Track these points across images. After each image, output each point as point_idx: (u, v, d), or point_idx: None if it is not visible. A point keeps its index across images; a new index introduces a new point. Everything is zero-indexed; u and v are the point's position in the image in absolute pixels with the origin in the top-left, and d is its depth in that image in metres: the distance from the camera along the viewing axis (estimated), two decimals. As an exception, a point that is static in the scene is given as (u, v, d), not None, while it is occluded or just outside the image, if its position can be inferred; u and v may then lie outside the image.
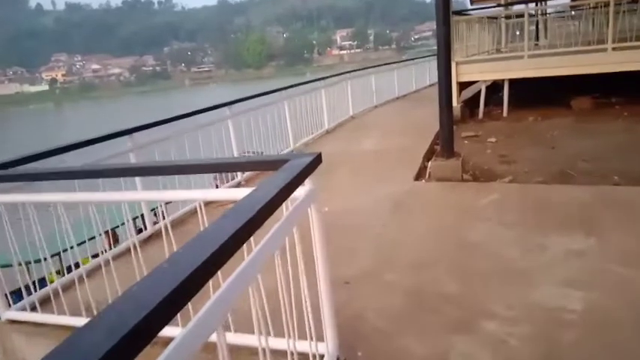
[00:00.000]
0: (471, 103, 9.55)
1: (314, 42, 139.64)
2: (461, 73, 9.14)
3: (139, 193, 2.67)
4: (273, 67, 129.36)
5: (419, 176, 5.19)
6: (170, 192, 2.25)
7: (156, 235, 4.05)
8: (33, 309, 2.75)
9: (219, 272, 0.99)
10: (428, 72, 14.74)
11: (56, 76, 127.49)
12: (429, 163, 5.11)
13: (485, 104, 9.36)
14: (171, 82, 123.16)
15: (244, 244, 1.15)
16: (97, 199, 2.41)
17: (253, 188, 1.49)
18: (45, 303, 2.78)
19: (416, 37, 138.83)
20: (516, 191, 4.39)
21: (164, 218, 4.20)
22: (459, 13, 9.82)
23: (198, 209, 2.11)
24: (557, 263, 2.90)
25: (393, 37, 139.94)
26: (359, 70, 10.49)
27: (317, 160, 1.88)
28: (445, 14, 4.68)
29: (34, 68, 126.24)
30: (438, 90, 5.18)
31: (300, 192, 1.85)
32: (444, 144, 5.11)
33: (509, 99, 9.07)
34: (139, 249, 2.41)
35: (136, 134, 3.92)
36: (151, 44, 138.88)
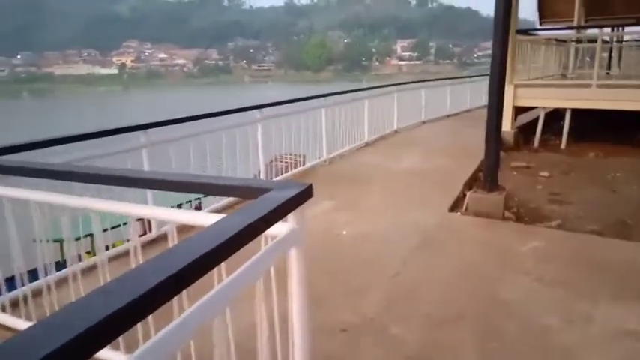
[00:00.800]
0: (527, 130, 8.83)
1: (373, 50, 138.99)
2: (519, 96, 8.47)
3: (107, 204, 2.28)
4: (331, 71, 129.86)
5: (455, 207, 4.69)
6: (136, 207, 1.93)
7: (162, 238, 3.82)
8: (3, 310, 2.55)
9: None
10: (485, 91, 13.93)
11: (125, 61, 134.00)
12: (469, 193, 4.60)
13: (543, 133, 8.61)
14: (231, 77, 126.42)
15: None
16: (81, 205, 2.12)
17: (223, 216, 1.22)
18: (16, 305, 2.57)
19: (479, 53, 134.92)
20: (564, 240, 3.82)
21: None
22: (525, 32, 9.13)
23: (172, 234, 1.78)
24: (605, 343, 2.37)
25: (456, 51, 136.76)
26: (408, 83, 10.00)
27: (305, 193, 1.51)
28: (504, 31, 4.18)
29: (106, 52, 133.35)
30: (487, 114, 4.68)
31: (280, 229, 1.49)
32: (486, 174, 4.59)
33: (569, 130, 8.29)
34: (139, 252, 2.08)
35: (150, 130, 3.71)
36: (216, 39, 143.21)
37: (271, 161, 5.96)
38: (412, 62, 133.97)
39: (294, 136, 5.94)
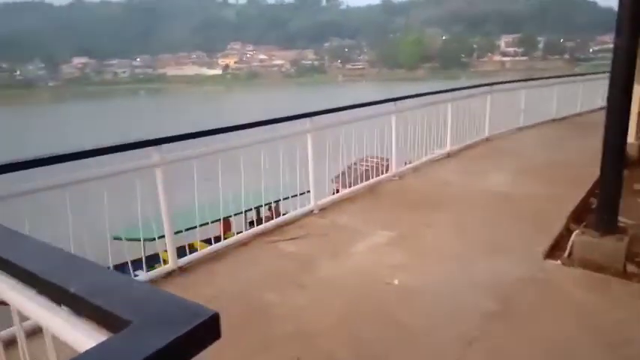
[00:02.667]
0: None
1: (474, 46, 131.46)
2: (649, 100, 6.75)
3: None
4: (427, 69, 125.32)
5: (554, 250, 3.52)
6: None
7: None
8: None
9: None
10: (601, 92, 11.82)
11: (229, 62, 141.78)
12: (574, 234, 3.41)
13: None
14: (325, 77, 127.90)
15: None
16: None
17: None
18: None
19: (595, 48, 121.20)
20: None
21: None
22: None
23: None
24: None
25: (567, 46, 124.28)
26: (505, 82, 8.58)
27: (198, 332, 0.70)
28: (633, 17, 2.95)
29: (212, 54, 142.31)
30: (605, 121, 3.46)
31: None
32: (602, 207, 3.36)
33: None
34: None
35: (165, 146, 3.13)
36: (313, 39, 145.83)
37: (354, 163, 5.40)
38: (517, 58, 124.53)
39: (355, 145, 5.11)
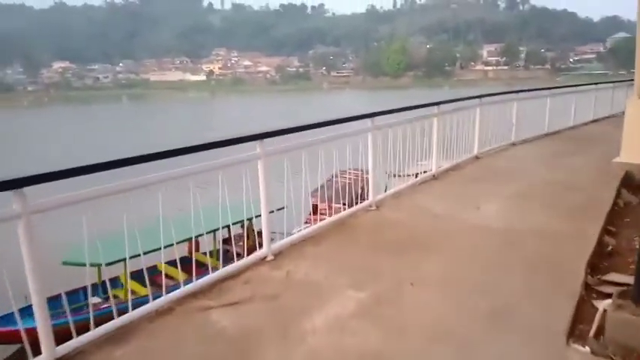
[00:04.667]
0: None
1: (457, 55, 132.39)
2: (658, 115, 6.02)
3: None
4: (411, 77, 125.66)
5: (577, 323, 2.65)
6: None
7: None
8: None
9: None
10: (593, 103, 11.19)
11: (213, 68, 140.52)
12: (604, 304, 2.54)
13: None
14: (310, 84, 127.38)
15: None
16: None
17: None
18: None
19: (576, 58, 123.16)
20: None
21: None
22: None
23: None
24: None
25: (548, 56, 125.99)
26: (496, 94, 7.78)
27: None
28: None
29: (196, 60, 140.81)
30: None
31: None
32: None
33: None
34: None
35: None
36: (298, 46, 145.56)
37: (334, 176, 4.89)
38: (499, 67, 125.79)
39: (320, 174, 4.22)
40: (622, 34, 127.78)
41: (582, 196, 5.00)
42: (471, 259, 3.49)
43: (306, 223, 8.67)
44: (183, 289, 2.95)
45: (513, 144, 8.21)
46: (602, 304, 2.61)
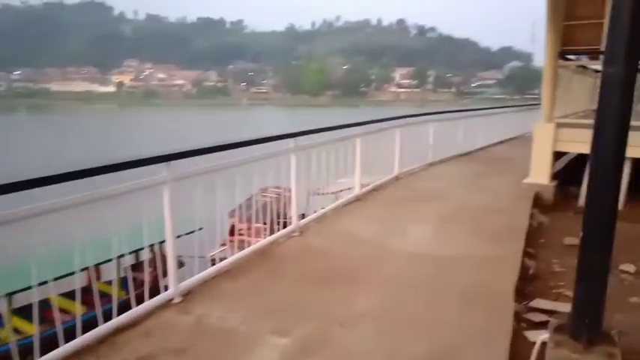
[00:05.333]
0: (562, 180, 6.74)
1: (372, 77, 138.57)
2: (561, 139, 6.42)
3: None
4: (329, 96, 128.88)
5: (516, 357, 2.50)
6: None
7: None
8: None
9: None
10: (500, 126, 11.98)
11: (124, 80, 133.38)
12: (541, 339, 2.40)
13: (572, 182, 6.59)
14: (229, 99, 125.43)
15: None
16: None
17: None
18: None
19: (478, 83, 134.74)
20: None
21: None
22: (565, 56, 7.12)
23: None
24: None
25: (454, 81, 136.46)
26: (415, 115, 7.90)
27: None
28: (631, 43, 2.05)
29: (106, 71, 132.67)
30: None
31: None
32: (582, 307, 2.34)
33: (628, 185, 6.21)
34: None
35: None
36: (216, 61, 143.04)
37: (254, 195, 4.51)
38: (411, 90, 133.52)
39: (238, 194, 3.81)
40: (516, 63, 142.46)
41: (502, 218, 5.08)
42: (403, 291, 3.27)
43: (222, 245, 8.13)
44: (64, 348, 2.36)
45: (431, 164, 8.38)
46: (538, 338, 2.48)
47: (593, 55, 10.87)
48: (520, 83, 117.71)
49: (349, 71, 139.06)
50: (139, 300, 2.88)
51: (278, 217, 4.75)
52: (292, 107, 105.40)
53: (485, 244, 4.27)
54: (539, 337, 2.39)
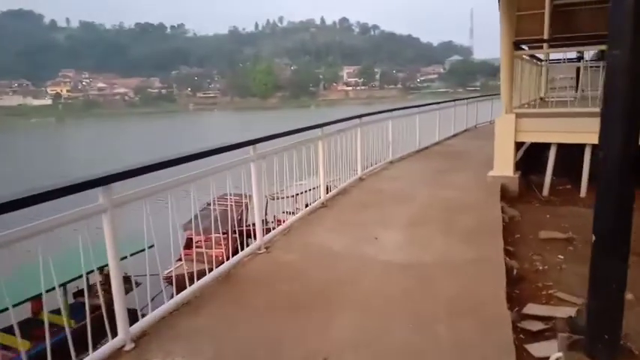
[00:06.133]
0: (522, 170, 6.73)
1: (320, 76, 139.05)
2: (521, 130, 6.37)
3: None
4: (279, 97, 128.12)
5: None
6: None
7: None
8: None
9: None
10: (453, 118, 12.06)
11: (61, 91, 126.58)
12: (552, 357, 2.15)
13: (533, 170, 6.61)
14: (175, 106, 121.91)
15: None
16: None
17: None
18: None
19: (422, 78, 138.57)
20: None
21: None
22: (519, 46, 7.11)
23: None
24: None
25: (399, 77, 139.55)
26: (374, 113, 7.67)
27: None
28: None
29: (40, 82, 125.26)
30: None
31: None
32: (598, 320, 2.10)
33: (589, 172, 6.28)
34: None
35: None
36: (159, 67, 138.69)
37: (209, 203, 4.40)
38: (359, 88, 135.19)
39: (193, 205, 3.36)
40: (456, 57, 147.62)
41: (473, 215, 4.90)
42: (385, 310, 2.94)
43: (178, 260, 7.55)
44: None
45: (391, 162, 8.18)
46: (546, 354, 2.24)
47: (538, 44, 11.19)
48: (461, 76, 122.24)
49: (297, 72, 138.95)
50: (81, 349, 2.40)
51: (239, 225, 4.34)
52: (242, 110, 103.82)
53: (462, 245, 4.05)
54: (552, 356, 2.14)
